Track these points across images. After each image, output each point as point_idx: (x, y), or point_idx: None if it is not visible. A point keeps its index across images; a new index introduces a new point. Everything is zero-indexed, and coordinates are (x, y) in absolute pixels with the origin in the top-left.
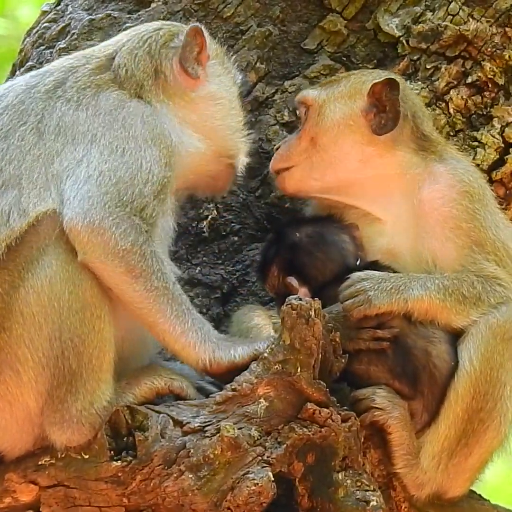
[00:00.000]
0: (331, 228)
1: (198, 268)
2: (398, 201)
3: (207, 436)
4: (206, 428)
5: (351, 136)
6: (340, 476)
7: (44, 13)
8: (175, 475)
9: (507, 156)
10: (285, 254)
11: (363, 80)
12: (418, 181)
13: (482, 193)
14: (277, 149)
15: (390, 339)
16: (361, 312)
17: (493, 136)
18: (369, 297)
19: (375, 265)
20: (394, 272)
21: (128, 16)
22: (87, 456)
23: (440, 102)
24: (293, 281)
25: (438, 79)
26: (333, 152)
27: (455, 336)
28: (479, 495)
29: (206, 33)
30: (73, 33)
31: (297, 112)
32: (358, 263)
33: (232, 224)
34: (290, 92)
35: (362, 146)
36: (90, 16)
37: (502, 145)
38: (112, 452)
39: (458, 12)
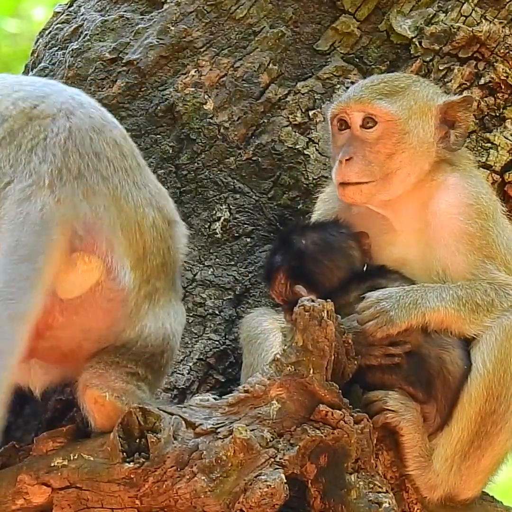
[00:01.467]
0: (338, 235)
1: (211, 269)
2: (415, 211)
3: (220, 438)
4: (219, 430)
5: (425, 153)
6: (352, 478)
7: (57, 14)
8: (187, 477)
9: None
10: (292, 262)
11: (429, 95)
12: (437, 191)
13: (495, 211)
14: (348, 160)
15: (402, 355)
16: (385, 333)
17: (506, 138)
18: (391, 317)
19: (382, 270)
20: (402, 277)
21: (140, 17)
22: (99, 458)
23: None
24: (301, 289)
25: (450, 81)
26: (407, 168)
27: (467, 339)
28: (492, 496)
29: None
30: (86, 34)
31: (351, 118)
32: (365, 269)
33: (245, 226)
34: (302, 93)
35: (425, 163)
36: (102, 17)
37: None
38: (124, 453)
39: (471, 13)
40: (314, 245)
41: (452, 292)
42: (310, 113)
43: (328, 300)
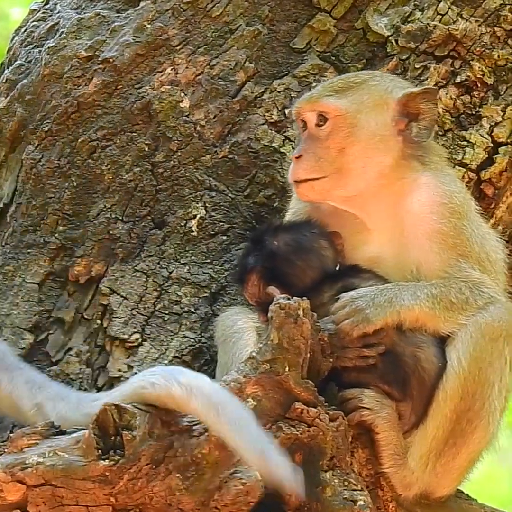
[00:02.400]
0: (310, 235)
1: (187, 267)
2: (388, 210)
3: (195, 436)
4: (194, 428)
5: (381, 146)
6: (327, 476)
7: (33, 11)
8: (162, 474)
9: (496, 156)
10: (264, 263)
11: (387, 88)
12: (410, 189)
13: (468, 209)
14: (298, 158)
15: (376, 357)
16: (361, 331)
17: (482, 136)
18: (367, 316)
19: (355, 269)
20: (376, 276)
21: (117, 15)
22: (74, 455)
23: None
24: (274, 290)
25: (427, 79)
26: (363, 162)
27: (442, 337)
28: (467, 494)
29: None
30: (62, 32)
31: (305, 117)
32: (337, 268)
33: (221, 224)
34: (279, 92)
35: (384, 156)
36: (78, 15)
37: (491, 144)
38: (99, 451)
39: (447, 11)
40: (286, 246)
41: (427, 291)
42: (286, 111)
43: (303, 298)
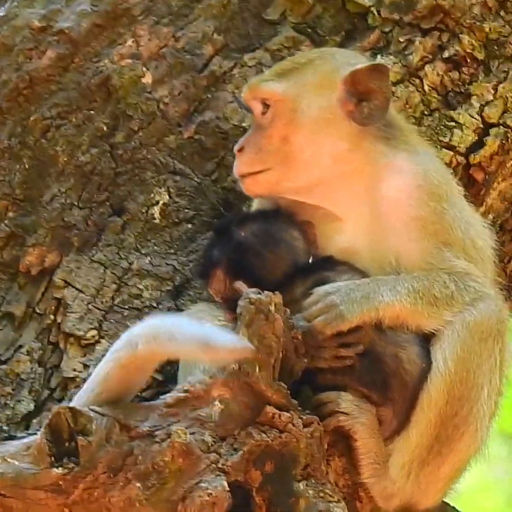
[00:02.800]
0: (279, 224)
1: (148, 258)
2: (360, 198)
3: (157, 442)
4: (156, 433)
5: (328, 131)
6: (301, 486)
7: None
8: (121, 483)
9: (486, 138)
10: (230, 256)
11: (334, 66)
12: (382, 174)
13: (450, 191)
14: (240, 150)
15: (353, 358)
16: (334, 329)
17: (472, 116)
18: (341, 312)
19: (329, 261)
20: (352, 268)
21: None
22: (25, 463)
23: (414, 79)
24: (241, 285)
25: (411, 53)
26: (309, 150)
27: (426, 336)
28: (453, 507)
29: None
30: (13, 0)
31: (252, 106)
32: (310, 260)
33: (186, 210)
34: (249, 66)
35: (337, 141)
36: None
37: (481, 125)
38: (52, 458)
39: None
40: (254, 237)
41: (408, 285)
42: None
43: (275, 292)
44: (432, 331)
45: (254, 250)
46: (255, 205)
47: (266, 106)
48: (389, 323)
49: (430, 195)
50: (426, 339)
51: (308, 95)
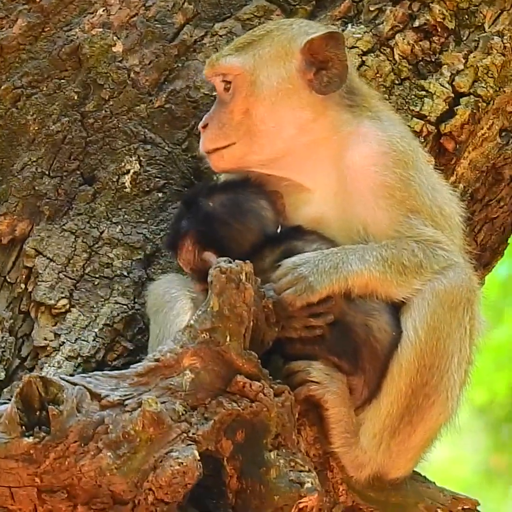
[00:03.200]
0: (248, 195)
1: (119, 227)
2: (327, 167)
3: (128, 411)
4: (126, 402)
5: (290, 102)
6: (272, 456)
7: None
8: (92, 453)
9: (457, 107)
10: (199, 227)
11: (291, 36)
12: (348, 143)
13: (416, 157)
14: (204, 127)
15: (323, 327)
16: (304, 301)
17: (442, 85)
18: (310, 283)
19: (298, 231)
20: (321, 238)
21: None
22: None
23: (385, 48)
24: (210, 256)
25: (382, 23)
26: (272, 122)
27: (396, 304)
28: (424, 477)
29: None
30: None
31: (215, 83)
32: (279, 230)
33: (157, 179)
34: (220, 36)
35: (299, 111)
36: None
37: (452, 95)
38: (23, 427)
39: None
40: (222, 207)
41: (376, 253)
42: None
43: (246, 261)
44: (402, 300)
45: (222, 221)
46: (223, 176)
47: (227, 82)
48: (359, 292)
49: (396, 162)
50: (396, 308)
51: (267, 67)
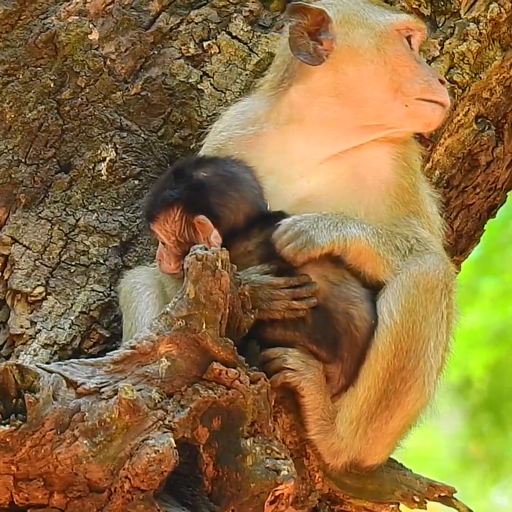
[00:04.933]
0: (238, 166)
1: (95, 214)
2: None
3: (104, 398)
4: (103, 390)
5: None
6: (248, 443)
7: None
8: (68, 440)
9: None
10: (191, 194)
11: None
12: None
13: (419, 166)
14: (443, 82)
15: (307, 310)
16: (306, 255)
17: None
18: (311, 237)
19: (284, 215)
20: None
21: None
22: None
23: None
24: (204, 219)
25: None
26: None
27: (374, 292)
28: (400, 464)
29: None
30: None
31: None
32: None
33: (133, 167)
34: (196, 23)
35: None
36: None
37: None
38: None
39: None
40: (217, 176)
41: (373, 228)
42: (205, 44)
43: (222, 248)
44: (384, 281)
45: (217, 188)
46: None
47: None
48: (351, 259)
49: (407, 169)
50: (374, 294)
51: None
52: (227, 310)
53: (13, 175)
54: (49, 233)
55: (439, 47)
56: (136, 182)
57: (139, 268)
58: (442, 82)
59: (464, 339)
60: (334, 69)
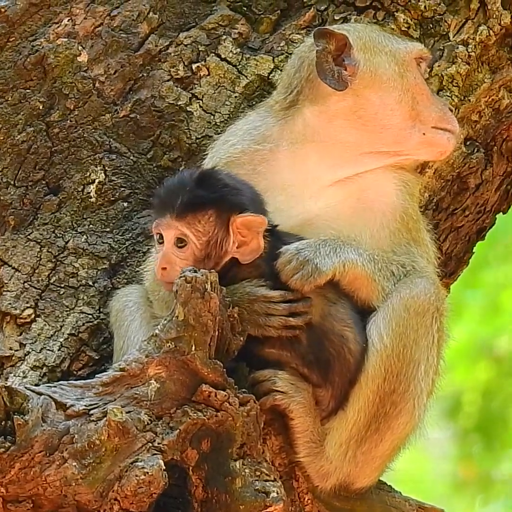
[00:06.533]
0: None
1: (84, 236)
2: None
3: (93, 420)
4: (92, 412)
5: None
6: (237, 465)
7: None
8: (57, 462)
9: None
10: (229, 195)
11: None
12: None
13: (417, 195)
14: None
15: (303, 327)
16: (312, 284)
17: None
18: (316, 265)
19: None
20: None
21: None
22: None
23: None
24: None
25: None
26: None
27: (364, 315)
28: (390, 486)
29: None
30: None
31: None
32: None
33: (122, 189)
34: (185, 45)
35: None
36: None
37: None
38: None
39: None
40: (242, 184)
41: (370, 254)
42: (194, 66)
43: (212, 270)
44: (376, 306)
45: (249, 192)
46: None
47: None
48: (347, 284)
49: (411, 196)
50: (364, 319)
51: None
52: (217, 332)
53: (2, 197)
54: (38, 255)
55: (429, 70)
56: (125, 204)
57: (130, 286)
58: (451, 110)
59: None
60: (354, 93)
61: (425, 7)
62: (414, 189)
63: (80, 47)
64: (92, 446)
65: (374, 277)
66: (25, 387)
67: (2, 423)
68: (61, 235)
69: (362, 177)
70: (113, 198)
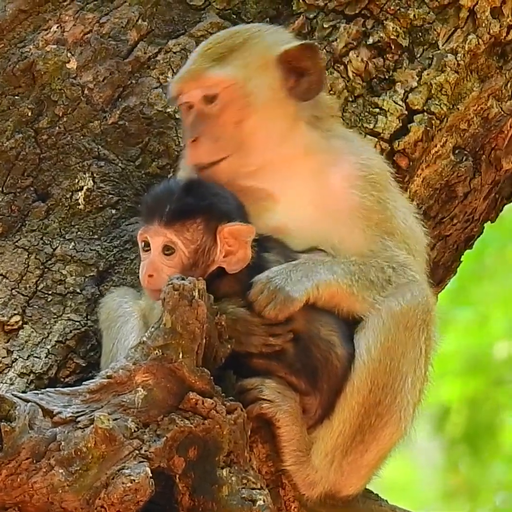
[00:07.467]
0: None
1: (72, 243)
2: (300, 182)
3: (80, 428)
4: (79, 419)
5: (276, 111)
6: (224, 473)
7: None
8: (44, 470)
9: (410, 125)
10: (217, 203)
11: (268, 46)
12: (324, 163)
13: (388, 179)
14: (194, 141)
15: (282, 346)
16: (286, 313)
17: (396, 102)
18: (288, 293)
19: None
20: (283, 247)
21: None
22: None
23: (338, 65)
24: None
25: (336, 40)
26: (262, 132)
27: (350, 323)
28: (376, 494)
29: None
30: None
31: (190, 97)
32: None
33: (110, 196)
34: (174, 52)
35: (283, 120)
36: None
37: (406, 112)
38: None
39: None
40: (229, 193)
41: (343, 267)
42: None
43: (199, 278)
44: (362, 316)
45: (237, 202)
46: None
47: (211, 95)
48: (324, 303)
49: (373, 185)
50: (350, 326)
51: (256, 75)
52: (204, 340)
53: None
54: (26, 262)
55: (417, 78)
56: (114, 211)
57: (123, 288)
58: (188, 144)
59: (437, 367)
60: None
61: (414, 15)
62: (365, 177)
63: (69, 54)
64: (79, 453)
65: (352, 291)
66: (12, 394)
67: None
68: (49, 242)
69: (310, 184)
70: (101, 205)
